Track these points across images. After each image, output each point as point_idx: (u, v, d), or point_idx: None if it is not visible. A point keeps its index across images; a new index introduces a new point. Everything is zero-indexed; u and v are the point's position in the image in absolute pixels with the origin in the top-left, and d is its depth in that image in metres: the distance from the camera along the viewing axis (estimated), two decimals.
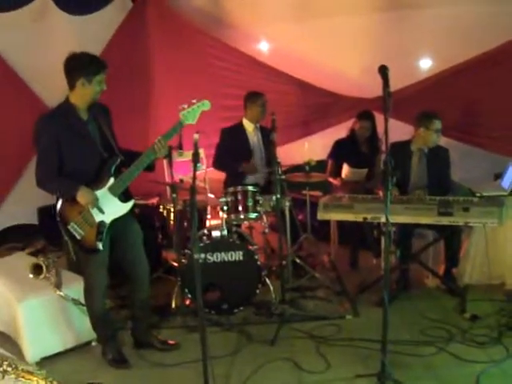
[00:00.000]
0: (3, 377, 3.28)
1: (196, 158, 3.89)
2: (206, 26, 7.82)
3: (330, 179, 6.96)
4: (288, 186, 6.15)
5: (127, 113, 6.84)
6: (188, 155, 4.45)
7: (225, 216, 5.70)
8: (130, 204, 4.46)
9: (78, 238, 4.33)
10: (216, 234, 5.59)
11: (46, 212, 7.56)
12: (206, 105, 4.38)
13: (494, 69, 6.71)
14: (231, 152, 6.40)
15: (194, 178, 3.85)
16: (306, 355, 4.70)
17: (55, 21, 7.26)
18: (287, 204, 6.06)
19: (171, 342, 4.95)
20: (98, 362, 4.72)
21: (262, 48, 8.16)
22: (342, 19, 7.48)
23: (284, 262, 5.72)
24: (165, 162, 6.54)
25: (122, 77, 7.00)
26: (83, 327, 4.85)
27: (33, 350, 4.68)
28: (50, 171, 4.22)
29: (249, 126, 6.57)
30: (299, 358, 4.65)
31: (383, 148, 5.80)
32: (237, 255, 5.48)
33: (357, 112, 6.99)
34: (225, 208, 5.72)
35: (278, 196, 5.36)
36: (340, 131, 7.19)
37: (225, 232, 5.58)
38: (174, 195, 5.65)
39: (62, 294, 4.73)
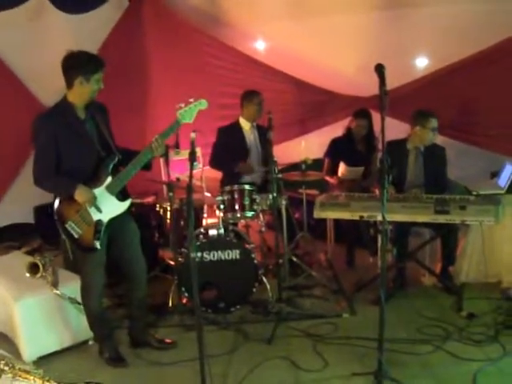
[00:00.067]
0: (0, 376, 3.28)
1: (193, 157, 3.88)
2: (202, 24, 7.82)
3: (327, 178, 6.96)
4: (284, 185, 6.14)
5: (124, 111, 6.84)
6: (184, 154, 4.44)
7: (221, 215, 5.70)
8: (127, 203, 4.46)
9: (76, 236, 4.32)
10: (213, 232, 5.59)
11: (43, 211, 7.57)
12: (202, 104, 4.38)
13: (490, 67, 6.71)
14: (228, 151, 6.40)
15: (191, 176, 3.85)
16: (302, 354, 4.70)
17: (51, 20, 7.25)
18: (284, 202, 6.06)
19: (168, 340, 4.95)
20: (95, 361, 4.71)
21: (259, 46, 8.16)
22: (338, 17, 7.48)
23: (281, 261, 5.71)
24: (161, 160, 6.54)
25: (118, 75, 6.98)
26: (80, 326, 4.85)
27: (30, 349, 4.68)
28: (48, 169, 4.21)
29: (245, 124, 6.57)
30: (296, 356, 4.65)
31: (380, 146, 5.81)
32: (233, 254, 5.48)
33: (353, 110, 6.99)
34: (221, 207, 5.71)
35: (275, 194, 5.36)
36: (336, 130, 7.18)
37: (221, 231, 5.58)
38: (171, 194, 5.64)
39: (58, 292, 4.72)
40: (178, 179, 6.15)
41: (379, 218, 4.30)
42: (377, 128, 6.64)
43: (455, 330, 4.92)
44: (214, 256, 5.47)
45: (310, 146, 6.68)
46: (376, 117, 6.41)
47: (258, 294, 5.60)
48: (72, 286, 4.81)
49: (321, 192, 6.49)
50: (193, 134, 3.97)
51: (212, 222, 5.99)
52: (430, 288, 5.92)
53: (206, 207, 6.38)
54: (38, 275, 4.88)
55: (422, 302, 5.58)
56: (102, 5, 7.26)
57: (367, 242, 6.54)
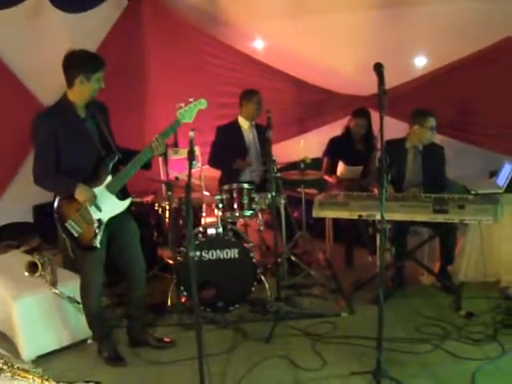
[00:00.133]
0: None
1: (191, 156, 3.89)
2: (201, 23, 7.81)
3: (326, 177, 6.96)
4: (283, 184, 6.15)
5: (123, 110, 6.82)
6: (183, 153, 4.44)
7: (220, 214, 5.70)
8: (127, 202, 4.46)
9: (76, 235, 4.32)
10: (211, 231, 5.59)
11: (42, 210, 7.57)
12: (202, 103, 4.39)
13: (489, 66, 6.71)
14: (227, 150, 6.40)
15: (190, 175, 3.86)
16: (301, 353, 4.70)
17: (50, 19, 7.24)
18: (282, 202, 6.07)
19: (167, 339, 4.95)
20: (93, 360, 4.71)
21: (258, 45, 8.15)
22: (337, 16, 7.48)
23: (279, 260, 5.71)
24: (160, 159, 6.52)
25: (117, 75, 6.95)
26: (79, 325, 4.84)
27: (28, 348, 4.67)
28: (48, 168, 4.20)
29: (244, 123, 6.57)
30: (295, 355, 4.65)
31: (378, 146, 5.81)
32: (232, 253, 5.48)
33: (352, 109, 6.99)
34: (220, 206, 5.71)
35: (274, 194, 5.35)
36: (335, 129, 7.18)
37: (220, 230, 5.59)
38: (170, 193, 5.64)
39: (57, 291, 4.72)
40: (176, 178, 6.15)
41: (378, 217, 4.30)
42: (376, 127, 6.65)
43: (454, 329, 4.93)
44: (212, 255, 5.47)
45: (308, 145, 6.68)
46: (375, 116, 6.41)
47: (256, 293, 5.60)
48: (71, 285, 4.81)
49: (320, 191, 6.49)
50: (191, 133, 3.97)
51: (211, 221, 5.99)
52: (429, 287, 5.93)
53: (204, 206, 6.37)
54: (37, 274, 4.88)
55: (420, 301, 5.59)
56: (101, 4, 7.25)
57: (366, 241, 6.54)
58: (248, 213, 5.82)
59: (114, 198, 4.36)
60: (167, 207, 6.10)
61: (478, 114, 7.05)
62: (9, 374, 3.32)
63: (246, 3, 7.80)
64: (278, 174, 5.85)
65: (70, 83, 4.24)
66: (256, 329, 5.17)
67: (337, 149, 6.93)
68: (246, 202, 5.78)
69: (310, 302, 5.74)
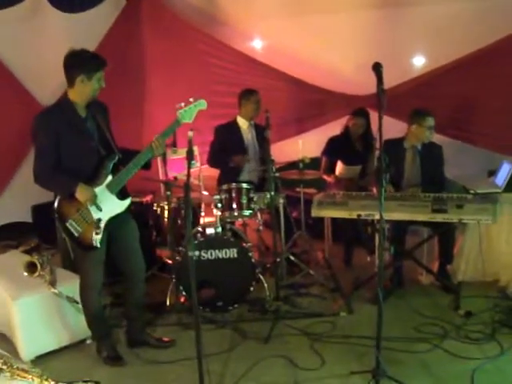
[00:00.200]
0: None
1: (190, 156, 3.88)
2: (199, 23, 7.82)
3: (324, 176, 6.97)
4: (282, 184, 6.16)
5: (121, 110, 6.81)
6: (182, 153, 4.44)
7: (219, 213, 5.70)
8: (127, 202, 4.46)
9: (76, 235, 4.31)
10: (210, 231, 5.59)
11: (40, 210, 7.57)
12: (202, 104, 4.39)
13: (487, 66, 6.73)
14: (225, 149, 6.39)
15: (188, 175, 3.85)
16: (300, 352, 4.70)
17: (49, 19, 7.26)
18: (281, 201, 6.07)
19: (166, 339, 4.95)
20: (92, 360, 4.71)
21: (256, 45, 8.16)
22: (335, 16, 7.49)
23: (278, 260, 5.72)
24: (159, 159, 6.52)
25: (115, 74, 6.96)
26: (78, 325, 4.84)
27: (27, 348, 4.67)
28: (48, 167, 4.20)
29: (243, 123, 6.57)
30: (293, 354, 4.65)
31: (377, 145, 5.81)
32: (231, 252, 5.48)
33: (351, 109, 7.00)
34: (219, 205, 5.71)
35: (272, 193, 5.36)
36: (334, 128, 7.18)
37: (219, 229, 5.58)
38: (168, 193, 5.66)
39: (56, 291, 4.72)
40: (175, 178, 6.14)
41: (377, 216, 4.31)
42: (374, 127, 6.64)
43: (453, 329, 4.93)
44: (211, 255, 5.47)
45: (307, 144, 6.68)
46: (374, 116, 6.41)
47: (255, 293, 5.59)
48: (70, 284, 4.81)
49: (318, 191, 6.50)
50: (190, 133, 3.96)
51: (209, 221, 5.98)
52: (428, 287, 5.93)
53: (203, 206, 6.38)
54: (36, 274, 4.87)
55: (419, 300, 5.58)
56: (100, 4, 7.25)
57: (365, 241, 6.54)
58: (247, 212, 5.81)
59: (114, 198, 4.36)
60: (166, 207, 6.09)
61: (477, 114, 7.06)
62: (8, 374, 3.31)
63: (245, 3, 7.81)
64: (277, 174, 5.86)
65: (70, 83, 4.24)
66: (255, 328, 5.17)
67: (336, 148, 6.93)
68: (244, 201, 5.78)
69: (309, 301, 5.73)
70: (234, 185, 5.84)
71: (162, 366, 4.59)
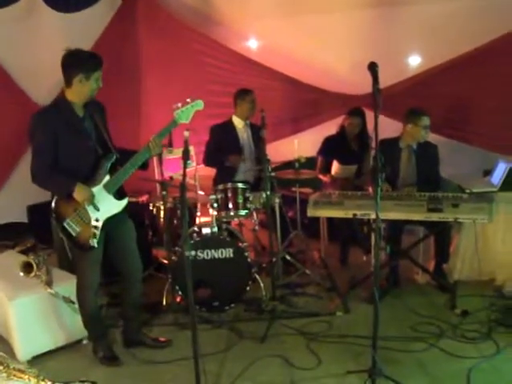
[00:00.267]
0: None
1: (186, 156, 3.88)
2: (195, 23, 7.82)
3: (320, 176, 6.97)
4: (278, 183, 6.15)
5: (117, 110, 6.80)
6: (178, 153, 4.44)
7: (215, 213, 5.70)
8: (124, 202, 4.46)
9: (73, 235, 4.31)
10: (206, 231, 5.58)
11: (36, 210, 7.56)
12: (199, 104, 4.37)
13: (482, 65, 6.73)
14: (221, 149, 6.39)
15: (184, 175, 3.85)
16: (296, 352, 4.71)
17: (44, 18, 7.25)
18: (277, 201, 6.06)
19: (162, 339, 4.95)
20: (89, 360, 4.72)
21: (252, 45, 8.16)
22: (331, 16, 7.49)
23: (274, 259, 5.72)
24: (155, 159, 6.52)
25: (111, 74, 6.94)
26: (74, 325, 4.84)
27: (24, 349, 4.67)
28: (46, 166, 4.18)
29: (239, 122, 6.57)
30: (290, 354, 4.66)
31: (373, 145, 5.81)
32: (227, 252, 5.48)
33: (347, 109, 7.00)
34: (215, 205, 5.71)
35: (268, 193, 5.37)
36: (330, 128, 7.18)
37: (215, 229, 5.58)
38: (164, 193, 5.65)
39: (52, 291, 4.72)
40: (171, 178, 6.14)
41: (372, 216, 4.31)
42: (370, 126, 6.65)
43: (449, 328, 4.94)
44: (207, 254, 5.47)
45: (303, 144, 6.67)
46: (369, 115, 6.41)
47: (251, 293, 5.60)
48: (66, 285, 4.81)
49: (314, 190, 6.51)
50: (186, 133, 3.97)
51: (205, 221, 5.97)
52: (424, 286, 5.94)
53: (199, 206, 6.37)
54: (32, 274, 4.87)
55: (415, 299, 5.59)
56: (95, 3, 7.24)
57: (361, 240, 6.54)
58: (243, 212, 5.82)
59: (111, 198, 4.36)
60: (162, 207, 6.09)
61: (472, 113, 7.06)
62: (4, 375, 3.31)
63: (240, 3, 7.81)
64: (273, 174, 5.84)
65: (68, 82, 4.22)
66: (251, 328, 5.17)
67: (331, 148, 6.93)
68: (240, 201, 5.78)
69: (305, 301, 5.74)
70: (229, 184, 5.84)
71: (159, 365, 4.60)
